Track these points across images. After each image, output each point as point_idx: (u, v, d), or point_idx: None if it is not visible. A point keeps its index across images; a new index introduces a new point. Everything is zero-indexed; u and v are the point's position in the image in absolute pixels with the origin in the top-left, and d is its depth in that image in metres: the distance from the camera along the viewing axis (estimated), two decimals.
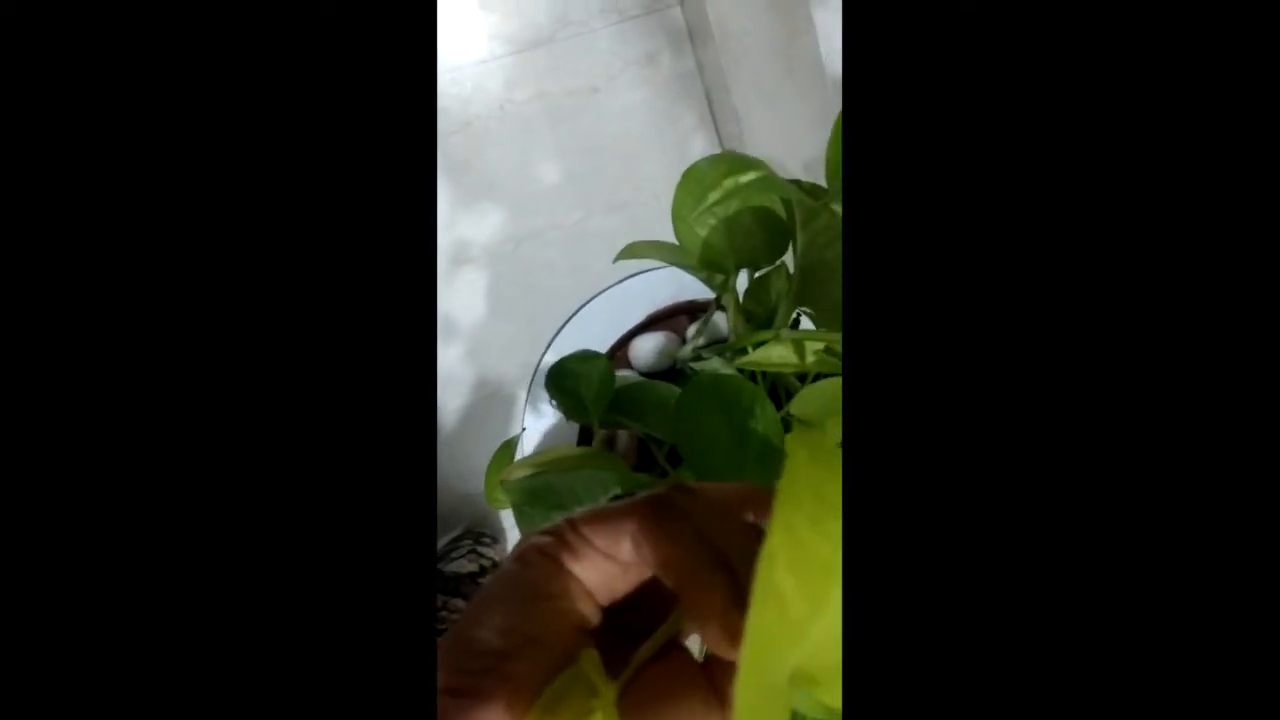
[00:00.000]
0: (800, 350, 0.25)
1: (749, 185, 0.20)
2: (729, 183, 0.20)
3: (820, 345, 0.24)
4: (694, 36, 0.83)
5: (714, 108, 0.84)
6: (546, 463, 0.29)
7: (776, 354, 0.25)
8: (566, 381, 0.32)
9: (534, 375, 0.57)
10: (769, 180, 0.22)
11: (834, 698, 0.15)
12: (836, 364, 0.24)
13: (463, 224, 0.82)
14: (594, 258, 0.30)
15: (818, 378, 0.26)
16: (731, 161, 0.21)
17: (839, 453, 0.15)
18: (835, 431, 0.22)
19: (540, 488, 0.26)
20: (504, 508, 0.35)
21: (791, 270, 0.25)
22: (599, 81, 0.83)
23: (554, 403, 0.33)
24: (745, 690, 0.13)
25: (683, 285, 0.56)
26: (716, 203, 0.22)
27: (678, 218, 0.26)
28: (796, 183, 0.27)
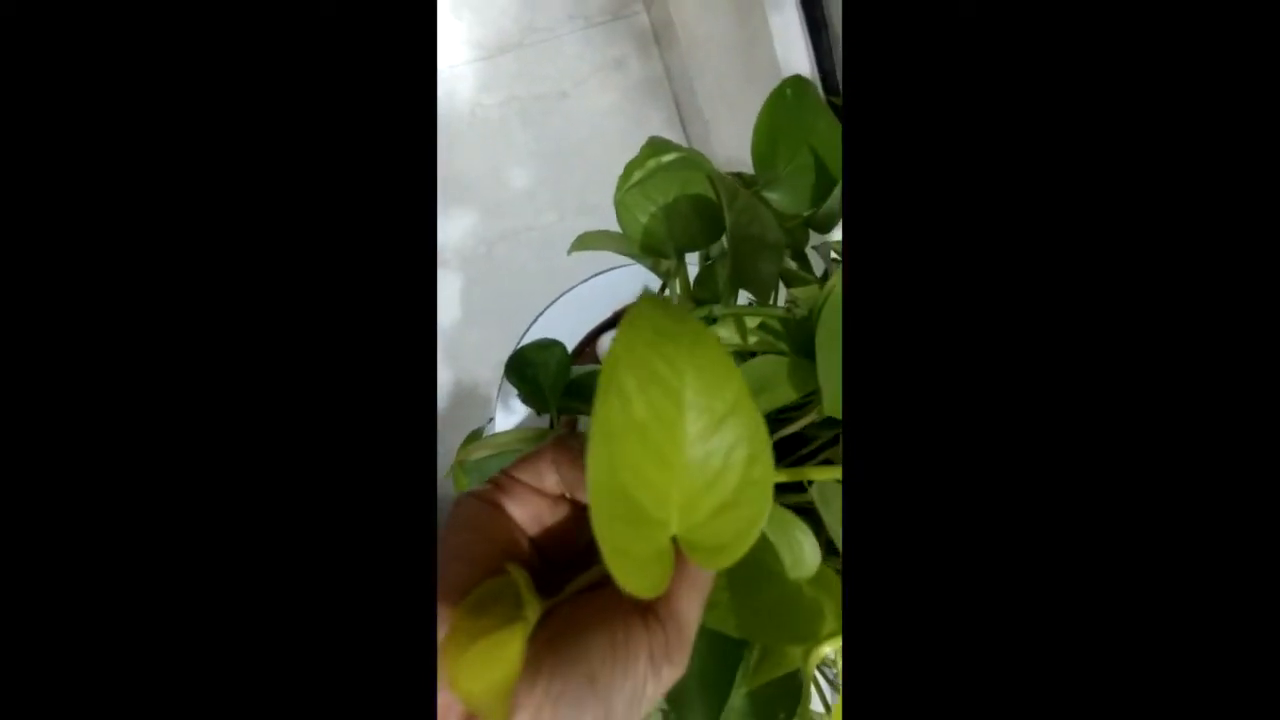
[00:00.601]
0: (742, 329, 0.26)
1: (670, 165, 0.22)
2: (651, 163, 0.22)
3: (757, 322, 0.25)
4: (660, 41, 0.84)
5: (681, 110, 0.86)
6: (505, 443, 0.30)
7: (721, 334, 0.26)
8: (526, 370, 0.33)
9: (504, 374, 0.58)
10: (689, 160, 0.23)
11: (715, 565, 0.17)
12: (775, 342, 0.26)
13: (435, 227, 0.83)
14: (566, 260, 0.31)
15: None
16: (656, 145, 0.22)
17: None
18: (767, 402, 0.23)
19: (497, 467, 0.27)
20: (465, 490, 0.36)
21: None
22: (567, 86, 0.84)
23: (519, 394, 0.34)
24: (596, 489, 0.15)
25: (648, 282, 0.57)
26: (639, 181, 0.23)
27: (620, 206, 0.27)
28: (737, 175, 0.29)
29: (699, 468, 0.17)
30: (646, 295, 0.16)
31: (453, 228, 0.84)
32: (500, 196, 0.85)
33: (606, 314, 0.57)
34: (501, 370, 0.65)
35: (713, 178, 0.22)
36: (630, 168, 0.25)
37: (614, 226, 0.32)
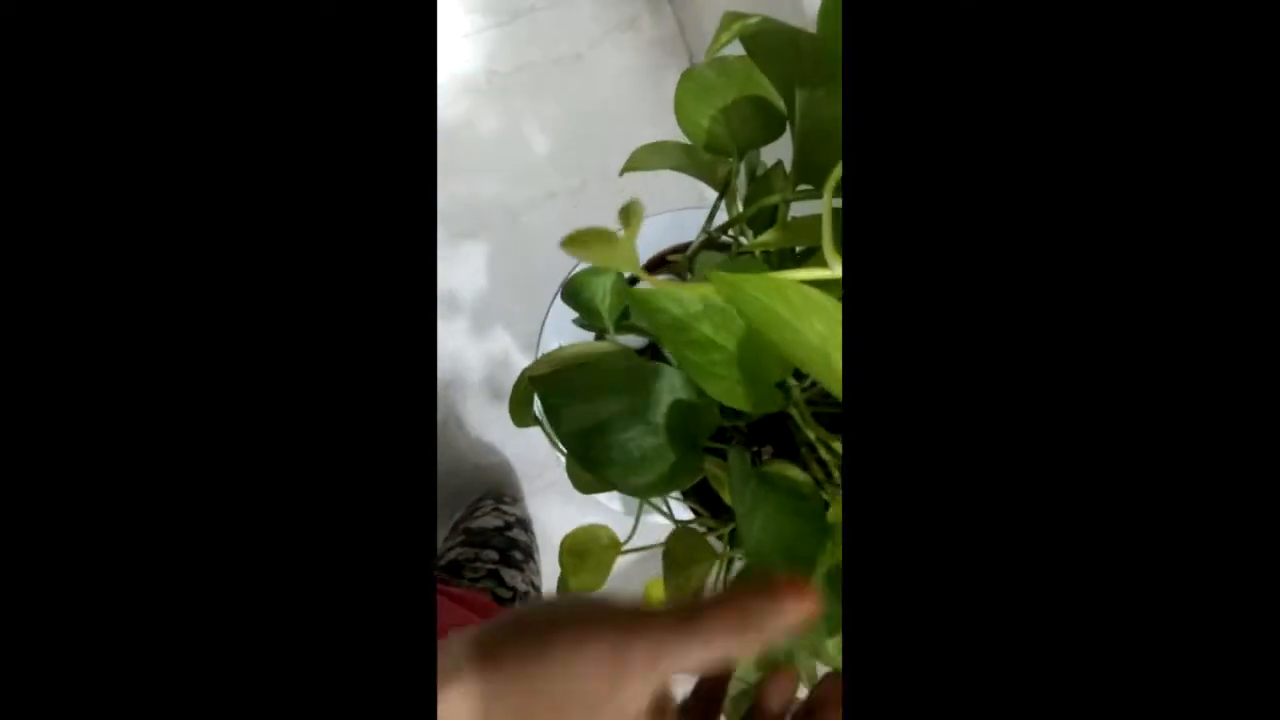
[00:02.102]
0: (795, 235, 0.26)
1: (731, 66, 0.22)
2: (715, 70, 0.22)
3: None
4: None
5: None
6: (567, 358, 0.31)
7: (772, 239, 0.26)
8: (583, 293, 0.33)
9: (539, 338, 0.59)
10: (746, 64, 0.23)
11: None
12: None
13: (459, 197, 0.84)
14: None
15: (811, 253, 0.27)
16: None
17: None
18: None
19: (564, 380, 0.28)
20: (529, 425, 0.36)
21: (788, 169, 0.26)
22: (582, 48, 0.84)
23: (574, 320, 0.35)
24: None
25: (682, 231, 0.57)
26: (714, 84, 0.24)
27: (681, 114, 0.27)
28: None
29: None
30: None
31: (476, 196, 0.85)
32: (522, 163, 0.85)
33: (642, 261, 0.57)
34: (531, 336, 0.65)
35: (780, 88, 0.22)
36: (693, 74, 0.25)
37: (637, 185, 0.32)
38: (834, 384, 0.21)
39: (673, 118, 0.29)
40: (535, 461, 0.81)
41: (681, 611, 0.17)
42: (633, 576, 0.65)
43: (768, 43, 0.22)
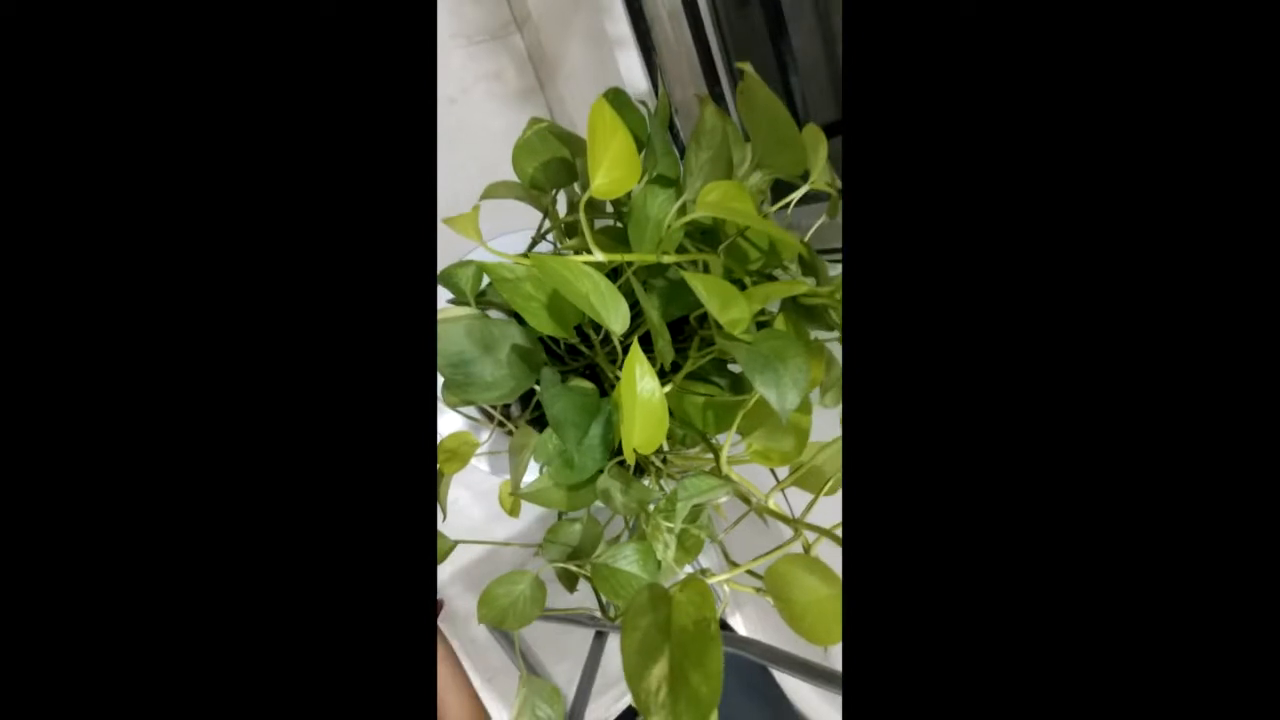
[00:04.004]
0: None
1: (540, 133, 0.39)
2: (530, 131, 0.39)
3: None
4: (533, 57, 1.01)
5: (554, 116, 1.03)
6: (444, 319, 0.46)
7: (573, 243, 0.44)
8: (453, 279, 0.49)
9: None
10: (552, 129, 0.41)
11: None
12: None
13: None
14: (465, 240, 0.42)
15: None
16: (534, 120, 0.40)
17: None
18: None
19: (443, 331, 0.44)
20: None
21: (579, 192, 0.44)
22: (455, 93, 0.99)
23: (449, 299, 0.50)
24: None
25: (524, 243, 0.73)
26: (532, 147, 0.41)
27: (516, 163, 0.44)
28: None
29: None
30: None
31: None
32: None
33: None
34: None
35: (570, 142, 0.40)
36: (523, 140, 0.42)
37: (500, 208, 0.49)
38: (600, 319, 0.38)
39: None
40: None
41: None
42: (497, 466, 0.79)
43: (556, 131, 0.40)
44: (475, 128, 1.00)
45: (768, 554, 0.35)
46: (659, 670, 0.23)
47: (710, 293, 0.32)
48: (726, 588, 0.39)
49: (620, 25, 0.77)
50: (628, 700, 1.05)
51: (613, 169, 0.33)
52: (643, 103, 0.48)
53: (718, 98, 0.72)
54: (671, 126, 0.78)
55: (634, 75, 0.80)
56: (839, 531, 0.37)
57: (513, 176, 0.48)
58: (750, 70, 0.33)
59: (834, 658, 0.80)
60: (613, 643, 0.95)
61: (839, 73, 0.65)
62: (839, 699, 0.92)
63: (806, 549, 0.36)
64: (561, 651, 1.10)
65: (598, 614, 0.93)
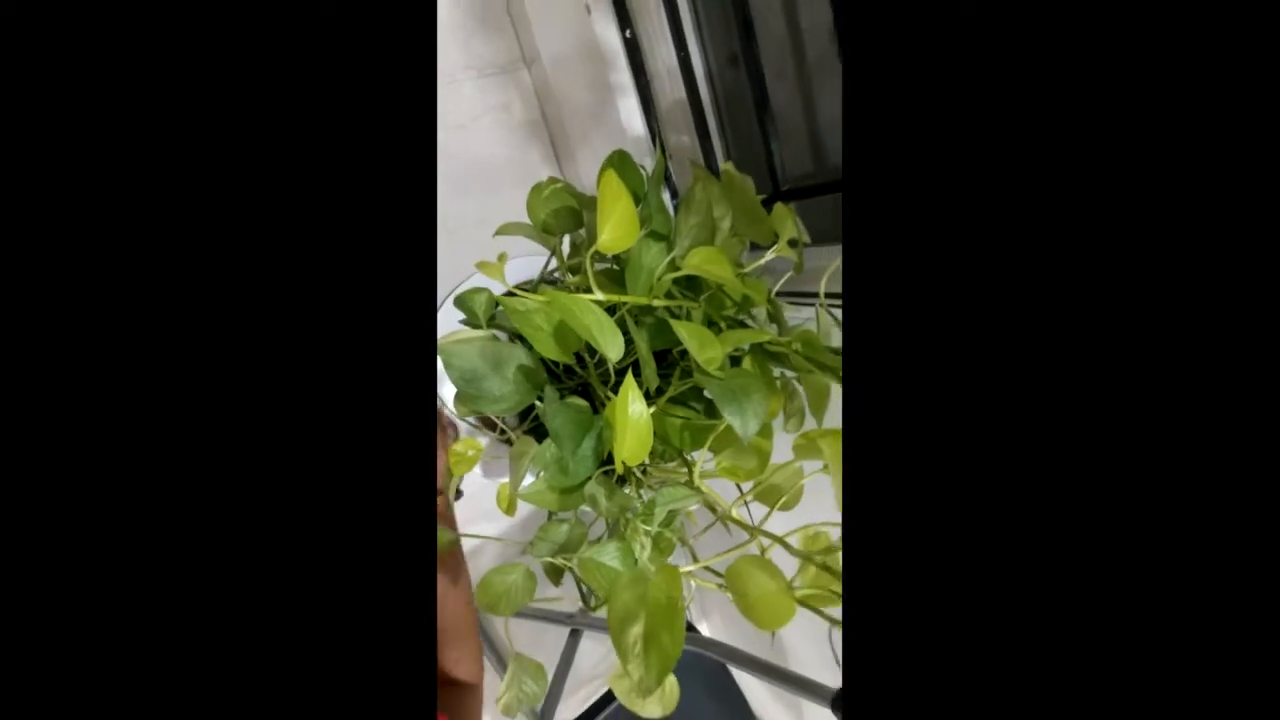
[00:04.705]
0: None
1: (555, 190, 0.47)
2: (548, 190, 0.47)
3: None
4: (539, 93, 1.09)
5: (556, 148, 1.11)
6: (458, 339, 0.53)
7: (576, 280, 0.51)
8: (468, 303, 0.56)
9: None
10: (565, 189, 0.48)
11: None
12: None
13: None
14: (466, 256, 0.47)
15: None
16: (551, 179, 0.47)
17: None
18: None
19: (457, 350, 0.50)
20: None
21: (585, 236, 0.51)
22: (465, 121, 1.06)
23: (461, 320, 0.57)
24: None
25: (531, 267, 0.82)
26: (546, 198, 0.48)
27: (530, 209, 0.51)
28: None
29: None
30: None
31: None
32: None
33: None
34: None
35: (578, 197, 0.47)
36: (537, 190, 0.50)
37: (502, 233, 0.56)
38: (599, 347, 0.45)
39: (530, 181, 0.53)
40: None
41: None
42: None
43: (568, 189, 0.47)
44: (481, 154, 1.07)
45: (727, 551, 0.42)
46: (636, 630, 0.30)
47: (691, 336, 0.39)
48: (693, 583, 0.46)
49: (622, 75, 0.85)
50: (596, 696, 1.11)
51: (616, 228, 0.41)
52: (643, 166, 0.55)
53: (706, 150, 0.80)
54: (666, 170, 0.86)
55: (633, 121, 0.88)
56: (791, 539, 0.44)
57: (512, 199, 0.55)
58: (729, 168, 0.40)
59: (788, 660, 0.87)
60: (585, 642, 1.01)
61: (814, 126, 0.74)
62: (790, 699, 0.99)
63: (762, 552, 0.44)
64: (536, 648, 1.15)
65: (574, 613, 0.99)
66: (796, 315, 0.56)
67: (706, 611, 1.36)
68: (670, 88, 0.83)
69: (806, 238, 0.55)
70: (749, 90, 0.71)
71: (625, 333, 0.47)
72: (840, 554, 0.38)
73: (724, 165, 0.40)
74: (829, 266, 0.48)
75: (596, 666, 1.23)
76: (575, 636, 0.98)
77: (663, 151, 0.64)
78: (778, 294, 0.53)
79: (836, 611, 0.38)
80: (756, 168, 0.73)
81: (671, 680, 0.42)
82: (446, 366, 0.51)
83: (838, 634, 0.36)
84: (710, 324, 0.47)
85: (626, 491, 0.55)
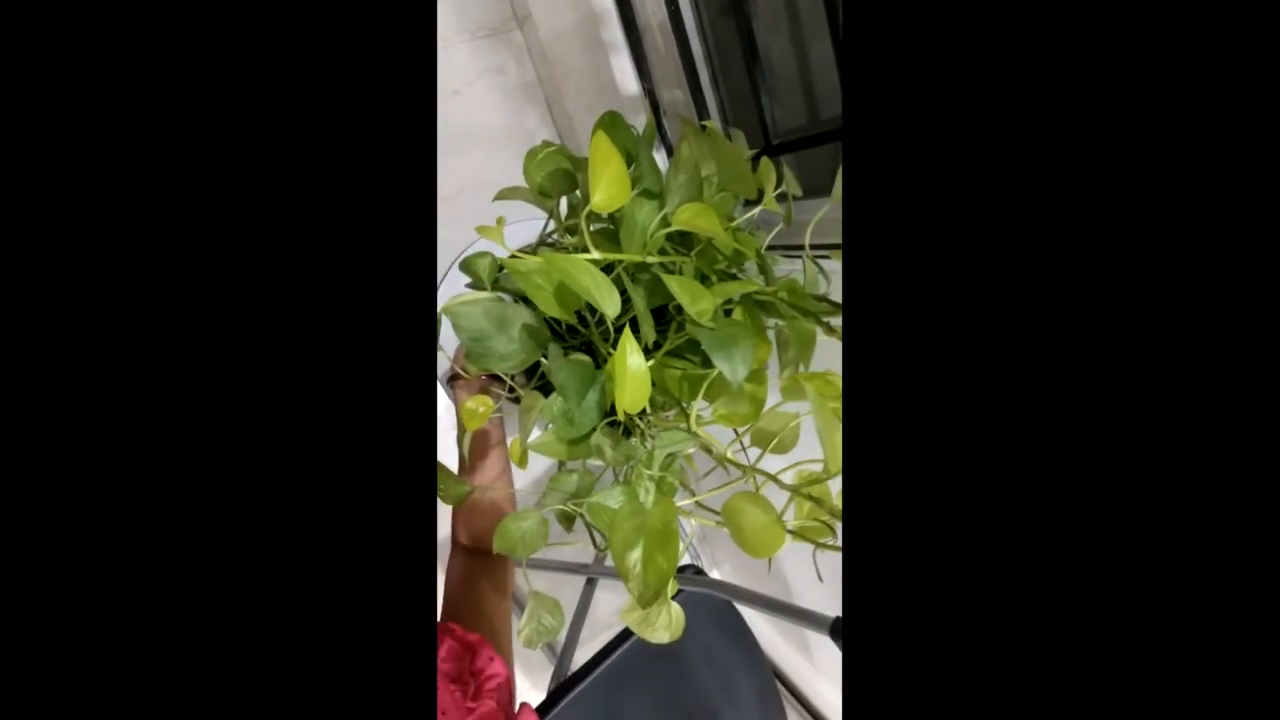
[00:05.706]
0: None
1: (550, 154, 0.48)
2: (541, 153, 0.48)
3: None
4: (533, 54, 1.09)
5: (551, 109, 1.11)
6: (464, 301, 0.55)
7: (573, 241, 0.53)
8: (473, 266, 0.58)
9: (438, 291, 0.81)
10: (560, 151, 0.50)
11: None
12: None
13: None
14: (467, 222, 0.48)
15: None
16: (545, 143, 0.49)
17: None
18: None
19: (464, 311, 0.53)
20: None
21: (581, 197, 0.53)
22: (460, 85, 1.06)
23: (466, 284, 0.59)
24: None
25: (530, 230, 0.83)
26: (541, 161, 0.50)
27: (526, 173, 0.53)
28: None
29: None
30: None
31: None
32: None
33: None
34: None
35: (573, 159, 0.49)
36: (531, 154, 0.51)
37: (500, 198, 0.58)
38: (597, 305, 0.47)
39: (527, 143, 0.54)
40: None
41: None
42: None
43: (563, 152, 0.49)
44: (478, 119, 1.07)
45: (722, 486, 0.45)
46: (636, 554, 0.33)
47: (683, 290, 0.41)
48: (693, 521, 0.49)
49: (614, 31, 0.85)
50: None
51: (608, 189, 0.43)
52: (633, 126, 0.56)
53: (700, 104, 0.80)
54: (660, 126, 0.86)
55: (625, 77, 0.88)
56: (783, 476, 0.47)
57: (511, 162, 0.57)
58: (713, 124, 0.42)
59: (793, 597, 0.92)
60: (600, 591, 1.06)
61: (807, 78, 0.74)
62: (791, 628, 1.04)
63: (756, 489, 0.47)
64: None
65: (589, 563, 1.04)
66: (788, 268, 0.58)
67: (718, 561, 1.42)
68: (663, 43, 0.83)
69: (798, 190, 0.57)
70: (739, 43, 0.72)
71: (622, 290, 0.49)
72: (826, 486, 0.41)
73: (708, 122, 0.42)
74: (814, 218, 0.49)
75: (612, 616, 1.29)
76: (591, 585, 1.03)
77: (654, 109, 0.65)
78: (769, 247, 0.54)
79: (826, 542, 0.41)
80: (750, 122, 0.74)
81: (677, 610, 0.45)
82: (455, 328, 0.53)
83: (821, 556, 0.39)
84: (703, 278, 0.49)
85: (631, 441, 0.58)
